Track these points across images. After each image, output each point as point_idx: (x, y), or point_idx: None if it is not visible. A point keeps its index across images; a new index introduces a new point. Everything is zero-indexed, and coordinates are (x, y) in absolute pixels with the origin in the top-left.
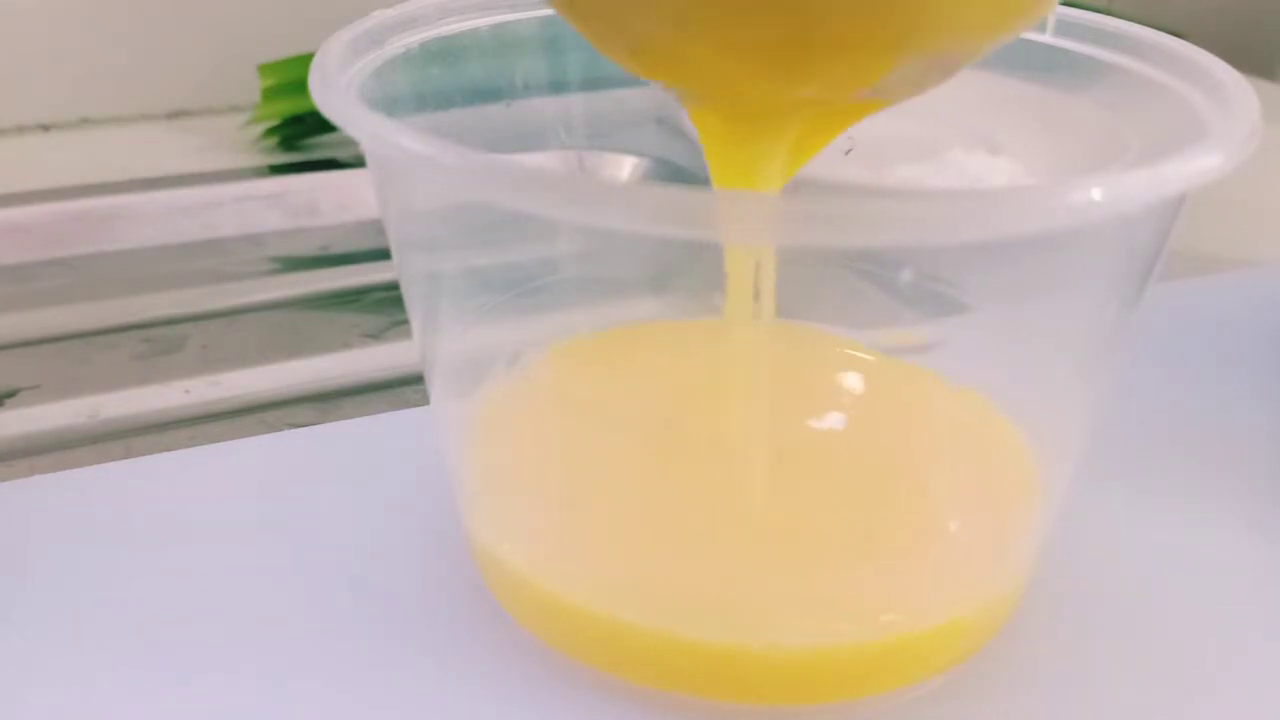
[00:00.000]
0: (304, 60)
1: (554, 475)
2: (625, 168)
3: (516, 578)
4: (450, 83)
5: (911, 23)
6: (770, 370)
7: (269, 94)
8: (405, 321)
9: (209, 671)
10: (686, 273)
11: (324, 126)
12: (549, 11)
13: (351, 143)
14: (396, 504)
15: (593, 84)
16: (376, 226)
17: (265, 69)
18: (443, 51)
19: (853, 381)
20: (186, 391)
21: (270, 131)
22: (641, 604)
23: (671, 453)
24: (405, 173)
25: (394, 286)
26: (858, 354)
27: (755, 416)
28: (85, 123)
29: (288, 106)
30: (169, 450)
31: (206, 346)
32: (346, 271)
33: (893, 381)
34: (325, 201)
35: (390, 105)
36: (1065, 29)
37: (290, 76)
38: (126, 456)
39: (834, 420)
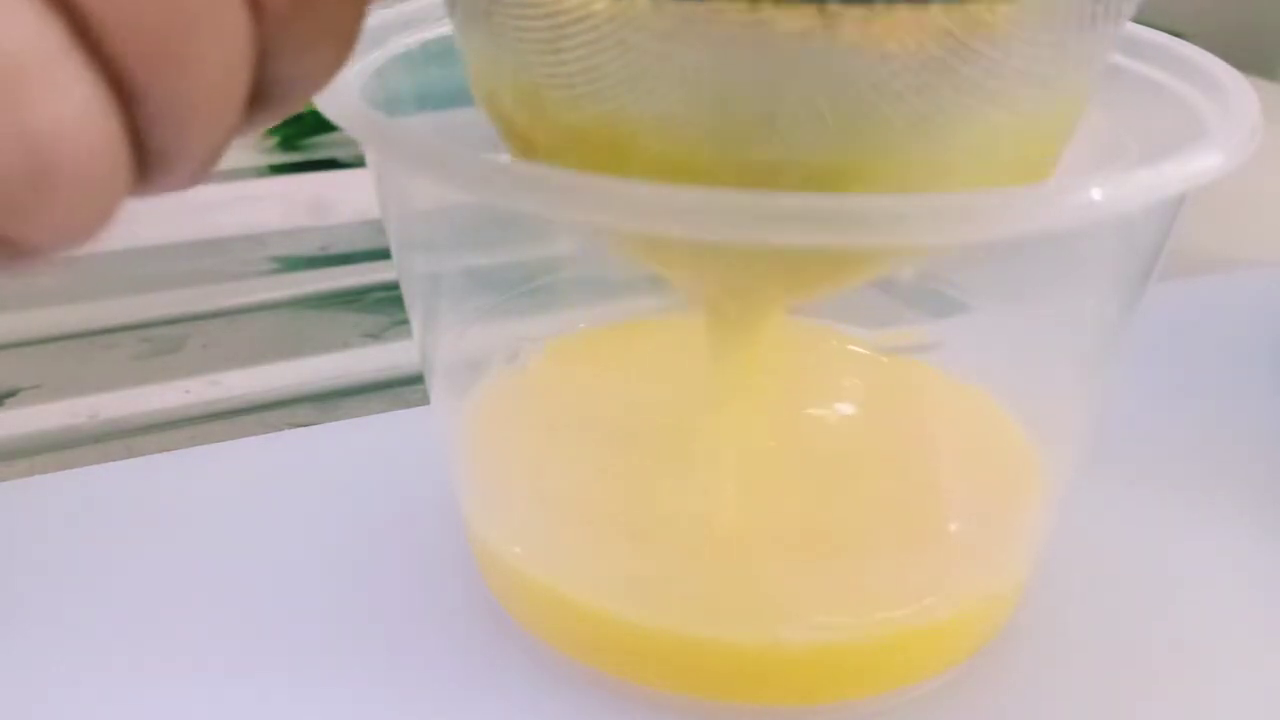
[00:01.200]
0: None
1: (553, 471)
2: None
3: (516, 575)
4: (451, 82)
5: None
6: (771, 365)
7: None
8: (405, 321)
9: (208, 670)
10: None
11: (324, 126)
12: None
13: (352, 142)
14: (396, 503)
15: None
16: (377, 226)
17: None
18: (443, 51)
19: (855, 377)
20: (186, 391)
21: (270, 131)
22: (642, 601)
23: (672, 448)
24: (405, 173)
25: (394, 286)
26: (860, 350)
27: (756, 412)
28: None
29: None
30: (169, 450)
31: (206, 346)
32: (347, 271)
33: (895, 378)
34: (325, 201)
35: (391, 105)
36: None
37: None
38: (127, 456)
39: (836, 416)
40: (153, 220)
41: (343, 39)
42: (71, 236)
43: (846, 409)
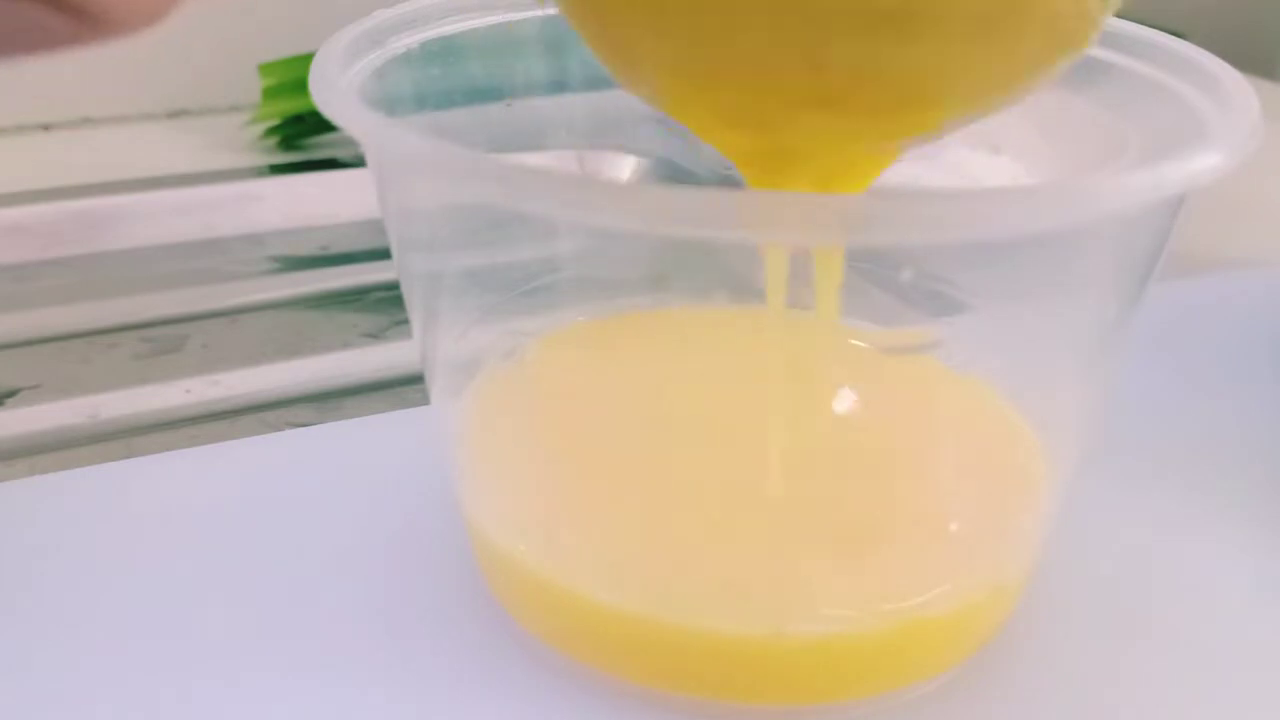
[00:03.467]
0: (304, 60)
1: (553, 464)
2: (626, 168)
3: (516, 572)
4: (451, 82)
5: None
6: (773, 357)
7: (269, 93)
8: (405, 321)
9: (208, 669)
10: (686, 273)
11: (324, 126)
12: (549, 11)
13: (352, 142)
14: (396, 503)
15: (593, 83)
16: (377, 226)
17: (265, 68)
18: (443, 51)
19: (857, 369)
20: (187, 391)
21: (271, 131)
22: (645, 594)
23: (672, 438)
24: (405, 173)
25: (394, 286)
26: (862, 343)
27: (758, 402)
28: (86, 122)
29: (288, 106)
30: (169, 450)
31: (207, 346)
32: (346, 271)
33: (899, 369)
34: (325, 201)
35: (391, 105)
36: None
37: (290, 76)
38: (127, 456)
39: (838, 407)
40: (153, 220)
41: None
42: (142, 9)
43: (849, 398)
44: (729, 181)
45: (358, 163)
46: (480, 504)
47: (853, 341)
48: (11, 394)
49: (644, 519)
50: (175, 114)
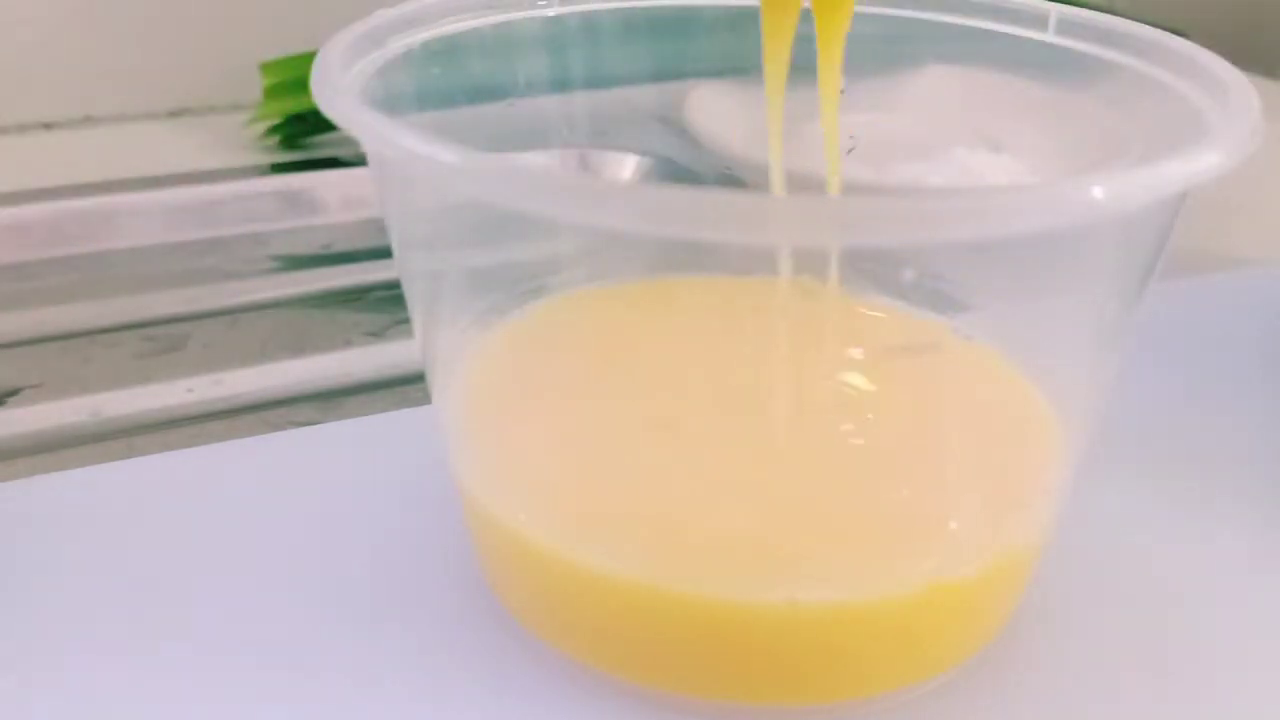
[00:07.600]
0: (306, 59)
1: (556, 447)
2: (627, 167)
3: (518, 565)
4: (452, 82)
5: None
6: (784, 322)
7: (271, 92)
8: (407, 320)
9: (208, 669)
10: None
11: (325, 125)
12: (551, 11)
13: (353, 141)
14: (397, 502)
15: (595, 83)
16: (378, 225)
17: (267, 67)
18: (445, 50)
19: (867, 335)
20: (189, 390)
21: (272, 130)
22: (658, 570)
23: (678, 408)
24: (406, 172)
25: (396, 285)
26: (873, 312)
27: (769, 365)
28: (88, 121)
29: (290, 105)
30: (171, 449)
31: (208, 345)
32: (348, 270)
33: (906, 335)
34: (327, 200)
35: (392, 104)
36: (1066, 28)
37: (292, 75)
38: (128, 455)
39: (848, 369)
40: (155, 218)
41: None
42: None
43: (859, 364)
44: (729, 181)
45: (359, 161)
46: (482, 500)
47: (864, 310)
48: (13, 393)
49: (652, 496)
50: (176, 113)
